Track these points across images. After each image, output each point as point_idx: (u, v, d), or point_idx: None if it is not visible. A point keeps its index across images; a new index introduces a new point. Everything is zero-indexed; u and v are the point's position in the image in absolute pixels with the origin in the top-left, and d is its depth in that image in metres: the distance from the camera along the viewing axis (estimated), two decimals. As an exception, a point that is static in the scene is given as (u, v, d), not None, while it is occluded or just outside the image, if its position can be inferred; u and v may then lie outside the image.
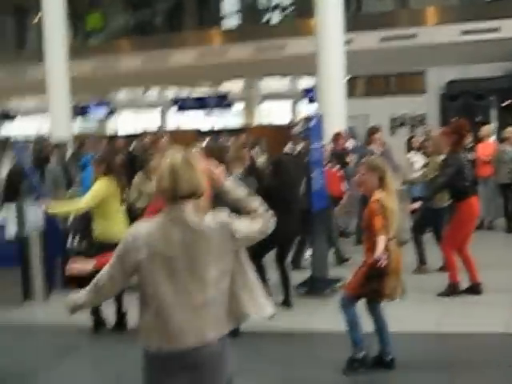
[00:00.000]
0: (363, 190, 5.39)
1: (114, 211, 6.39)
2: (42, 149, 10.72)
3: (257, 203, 2.99)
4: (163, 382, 2.88)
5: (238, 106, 23.19)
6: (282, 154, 9.12)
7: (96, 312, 6.65)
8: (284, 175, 7.01)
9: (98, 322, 6.73)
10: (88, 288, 2.99)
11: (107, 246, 4.75)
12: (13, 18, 20.19)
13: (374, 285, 4.96)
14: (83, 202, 6.32)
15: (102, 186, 6.28)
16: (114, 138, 11.27)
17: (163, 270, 2.79)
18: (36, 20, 18.76)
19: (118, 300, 6.66)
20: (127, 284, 3.02)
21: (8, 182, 9.15)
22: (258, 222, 2.95)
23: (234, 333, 4.43)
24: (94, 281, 2.95)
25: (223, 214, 2.88)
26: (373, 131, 9.76)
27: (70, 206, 6.76)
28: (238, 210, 2.98)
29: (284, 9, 18.34)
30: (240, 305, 2.99)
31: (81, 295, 3.00)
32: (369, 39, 14.38)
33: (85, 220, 8.30)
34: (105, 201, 6.28)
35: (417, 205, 7.59)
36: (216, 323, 2.88)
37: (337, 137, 10.17)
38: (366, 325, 5.16)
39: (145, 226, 2.87)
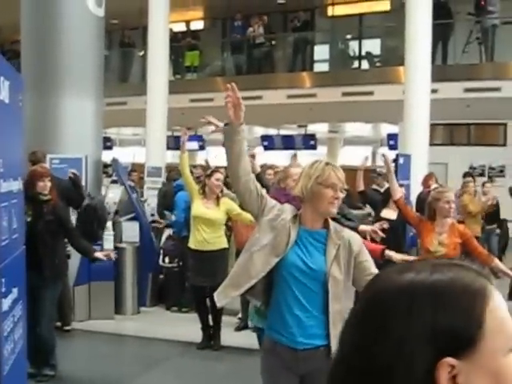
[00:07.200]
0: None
1: None
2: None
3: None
4: None
5: (322, 148, 23.54)
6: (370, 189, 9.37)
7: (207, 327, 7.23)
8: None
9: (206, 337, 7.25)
10: None
11: None
12: (117, 53, 21.12)
13: None
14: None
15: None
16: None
17: None
18: (141, 54, 19.72)
19: (207, 318, 7.26)
20: None
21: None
22: None
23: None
24: None
25: None
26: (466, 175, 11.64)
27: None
28: None
29: (373, 56, 18.73)
30: None
31: None
32: (453, 90, 14.63)
33: (176, 241, 9.01)
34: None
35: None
36: None
37: (428, 178, 10.30)
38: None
39: None
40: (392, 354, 0.91)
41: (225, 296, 3.36)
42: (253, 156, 7.05)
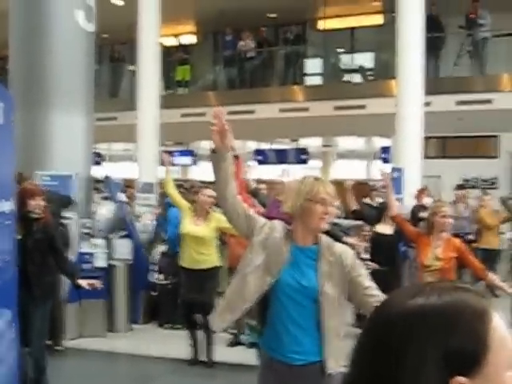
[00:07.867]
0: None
1: None
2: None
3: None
4: None
5: (315, 162, 23.54)
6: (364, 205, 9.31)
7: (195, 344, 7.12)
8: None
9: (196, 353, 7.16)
10: None
11: None
12: (108, 68, 20.99)
13: None
14: None
15: None
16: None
17: None
18: (131, 68, 19.59)
19: (196, 334, 7.16)
20: None
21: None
22: None
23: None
24: None
25: None
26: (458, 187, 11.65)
27: None
28: None
29: (365, 70, 18.73)
30: None
31: None
32: (445, 103, 14.63)
33: (170, 257, 8.89)
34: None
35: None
36: None
37: (421, 192, 10.39)
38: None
39: None
40: (411, 378, 0.96)
41: (222, 320, 3.34)
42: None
